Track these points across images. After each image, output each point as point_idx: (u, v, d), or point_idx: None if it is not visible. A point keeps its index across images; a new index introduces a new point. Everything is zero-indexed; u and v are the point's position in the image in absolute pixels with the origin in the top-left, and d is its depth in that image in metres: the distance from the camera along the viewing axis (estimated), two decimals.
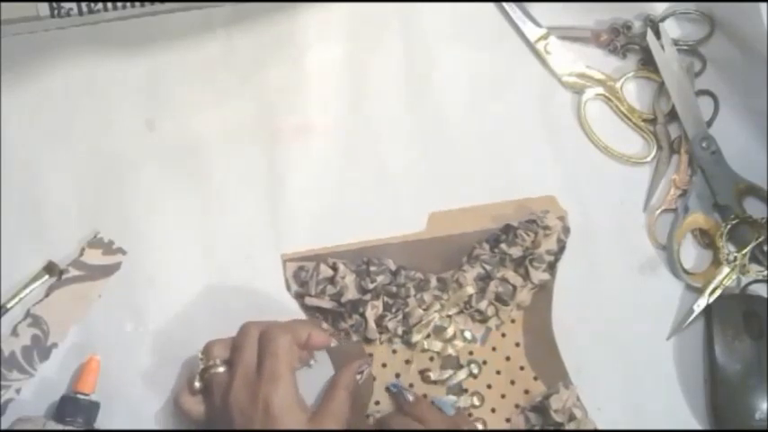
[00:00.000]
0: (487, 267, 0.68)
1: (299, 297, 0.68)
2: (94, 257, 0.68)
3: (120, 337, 0.67)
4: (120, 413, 0.65)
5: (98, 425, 0.64)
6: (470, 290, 0.67)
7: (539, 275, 0.68)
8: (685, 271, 0.70)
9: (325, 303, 0.67)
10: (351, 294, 0.66)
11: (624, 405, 0.68)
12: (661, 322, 0.70)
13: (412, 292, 0.67)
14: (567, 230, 0.70)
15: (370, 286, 0.66)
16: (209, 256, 0.69)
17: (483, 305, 0.67)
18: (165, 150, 0.71)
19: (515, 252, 0.68)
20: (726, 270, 0.69)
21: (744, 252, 0.70)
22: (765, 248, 0.70)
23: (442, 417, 0.64)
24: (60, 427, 0.62)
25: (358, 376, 0.64)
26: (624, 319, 0.70)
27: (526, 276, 0.68)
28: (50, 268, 0.68)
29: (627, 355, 0.69)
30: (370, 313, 0.66)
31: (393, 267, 0.68)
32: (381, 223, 0.70)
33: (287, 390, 0.58)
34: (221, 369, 0.61)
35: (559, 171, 0.73)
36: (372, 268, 0.67)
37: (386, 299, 0.67)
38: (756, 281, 0.70)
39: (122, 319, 0.67)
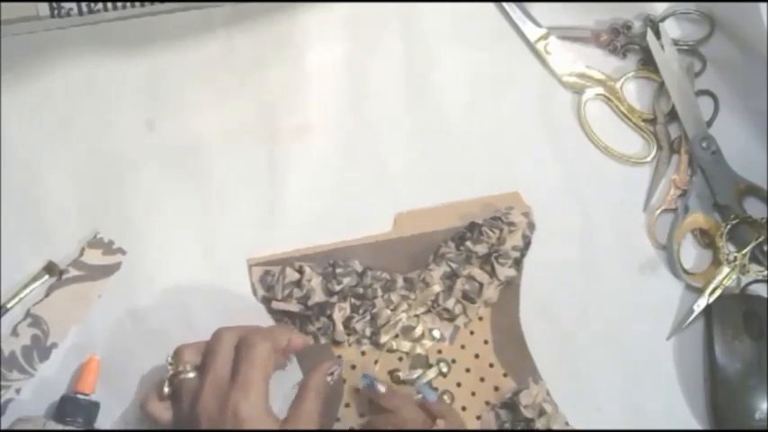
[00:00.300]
0: (454, 265, 0.68)
1: (266, 301, 0.68)
2: (94, 257, 0.68)
3: (120, 337, 0.67)
4: (121, 413, 0.65)
5: (98, 425, 0.64)
6: (437, 288, 0.67)
7: (505, 272, 0.68)
8: (685, 271, 0.70)
9: (292, 307, 0.66)
10: (317, 297, 0.66)
11: (624, 405, 0.68)
12: (661, 322, 0.70)
13: (379, 292, 0.67)
14: (531, 226, 0.70)
15: (337, 288, 0.66)
16: (209, 256, 0.69)
17: (450, 303, 0.67)
18: (165, 150, 0.71)
19: (481, 249, 0.68)
20: (726, 270, 0.69)
21: (744, 252, 0.70)
22: (765, 248, 0.70)
23: (414, 407, 0.63)
24: (60, 427, 0.62)
25: (328, 378, 0.62)
26: (624, 319, 0.70)
27: (492, 273, 0.68)
28: (50, 268, 0.68)
29: (627, 355, 0.69)
30: (338, 315, 0.66)
31: (359, 269, 0.68)
32: (382, 223, 0.70)
33: (257, 398, 0.57)
34: (191, 375, 0.60)
35: (559, 171, 0.73)
36: (339, 270, 0.67)
37: (353, 300, 0.67)
38: (756, 281, 0.70)
39: (122, 319, 0.67)
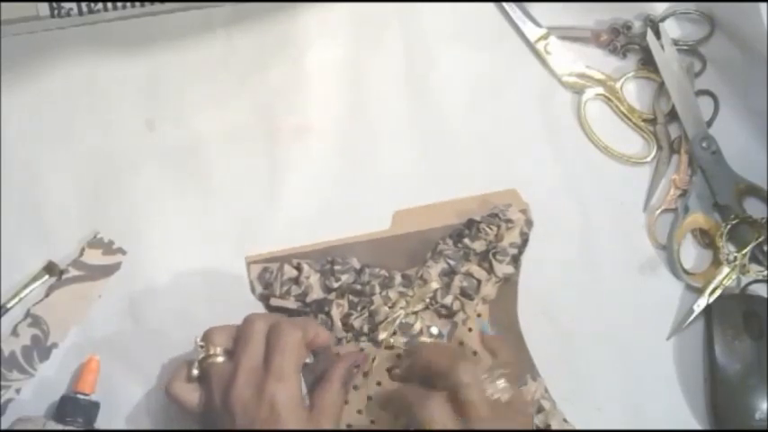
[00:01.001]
0: (451, 262, 0.68)
1: (264, 299, 0.68)
2: (94, 257, 0.68)
3: (120, 337, 0.67)
4: (120, 413, 0.65)
5: (98, 425, 0.64)
6: (435, 285, 0.67)
7: (503, 269, 0.68)
8: (685, 271, 0.70)
9: (291, 304, 0.67)
10: (316, 294, 0.66)
11: (624, 405, 0.68)
12: (661, 322, 0.70)
13: (377, 289, 0.67)
14: (529, 223, 0.70)
15: (335, 285, 0.66)
16: (210, 256, 0.69)
17: (448, 300, 0.67)
18: (165, 150, 0.71)
19: (479, 246, 0.68)
20: (726, 270, 0.69)
21: (744, 252, 0.70)
22: (765, 248, 0.70)
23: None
24: (60, 427, 0.62)
25: (355, 370, 0.63)
26: (624, 319, 0.70)
27: (490, 270, 0.68)
28: (50, 268, 0.68)
29: (627, 355, 0.69)
30: (336, 312, 0.66)
31: (357, 266, 0.68)
32: (380, 220, 0.70)
33: (294, 389, 0.57)
34: (221, 359, 0.60)
35: (559, 171, 0.73)
36: (337, 267, 0.67)
37: (351, 297, 0.67)
38: (756, 281, 0.70)
39: (122, 319, 0.67)
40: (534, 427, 0.65)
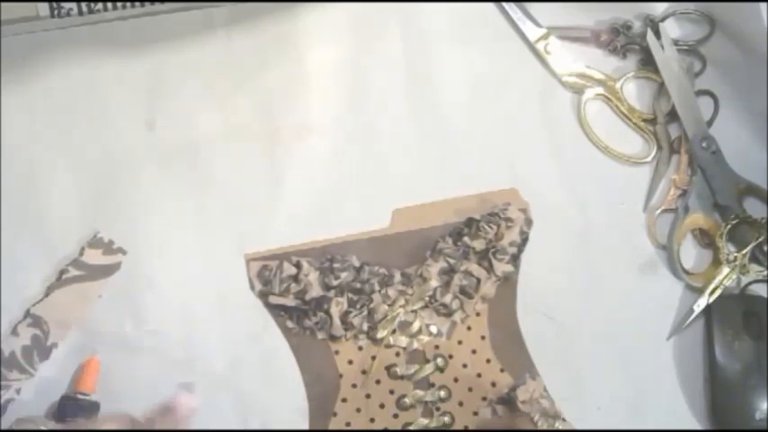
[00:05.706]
0: (451, 261, 0.68)
1: (263, 296, 0.68)
2: (94, 257, 0.68)
3: (120, 337, 0.67)
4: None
5: None
6: (434, 284, 0.68)
7: (502, 267, 0.68)
8: (685, 271, 0.70)
9: (290, 301, 0.67)
10: (315, 292, 0.66)
11: (624, 405, 0.68)
12: (661, 322, 0.70)
13: (376, 287, 0.67)
14: (529, 222, 0.70)
15: (334, 283, 0.67)
16: (210, 256, 0.69)
17: (447, 299, 0.68)
18: (165, 150, 0.71)
19: (478, 245, 0.68)
20: (726, 270, 0.69)
21: (744, 252, 0.70)
22: (765, 248, 0.71)
23: None
24: (60, 426, 0.62)
25: None
26: (624, 319, 0.70)
27: (490, 269, 0.68)
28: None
29: (627, 355, 0.69)
30: (335, 310, 0.66)
31: (357, 264, 0.68)
32: (380, 218, 0.70)
33: None
34: None
35: (559, 171, 0.73)
36: (336, 265, 0.67)
37: (350, 295, 0.67)
38: (756, 281, 0.71)
39: (122, 319, 0.67)
40: (533, 427, 0.65)
